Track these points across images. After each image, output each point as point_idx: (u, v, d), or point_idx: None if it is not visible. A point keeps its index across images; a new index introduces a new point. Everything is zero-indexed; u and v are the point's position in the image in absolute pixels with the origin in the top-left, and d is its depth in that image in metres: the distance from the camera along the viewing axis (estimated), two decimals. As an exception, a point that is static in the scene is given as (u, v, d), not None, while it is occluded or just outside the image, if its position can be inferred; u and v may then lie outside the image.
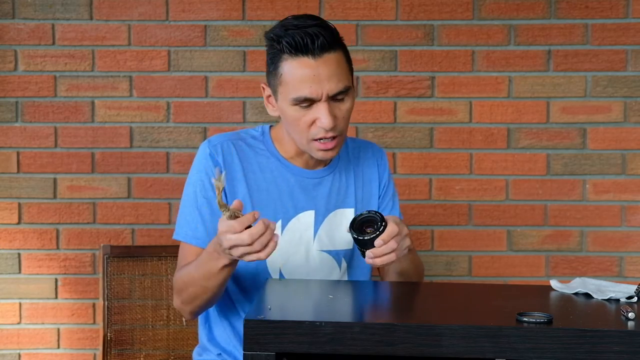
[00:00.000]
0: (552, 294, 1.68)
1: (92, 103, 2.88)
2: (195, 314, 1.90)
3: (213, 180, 1.60)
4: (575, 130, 2.88)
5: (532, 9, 2.86)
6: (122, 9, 2.87)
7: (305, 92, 1.78)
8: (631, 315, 1.44)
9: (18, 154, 2.89)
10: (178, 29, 2.88)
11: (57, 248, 2.90)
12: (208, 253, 1.73)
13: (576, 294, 1.67)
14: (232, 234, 1.60)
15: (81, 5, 2.86)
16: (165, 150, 2.89)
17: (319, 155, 1.86)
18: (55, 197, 2.89)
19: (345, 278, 1.96)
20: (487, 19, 2.87)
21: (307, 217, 1.92)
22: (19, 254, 2.90)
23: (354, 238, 1.73)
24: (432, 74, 2.88)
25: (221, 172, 1.62)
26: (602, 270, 2.88)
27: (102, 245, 2.55)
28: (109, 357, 2.47)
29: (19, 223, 2.89)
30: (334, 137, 1.82)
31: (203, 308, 1.87)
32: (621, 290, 1.66)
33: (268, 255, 1.62)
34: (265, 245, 1.61)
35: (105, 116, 2.88)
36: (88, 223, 2.89)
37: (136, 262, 2.53)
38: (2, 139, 2.89)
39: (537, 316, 1.41)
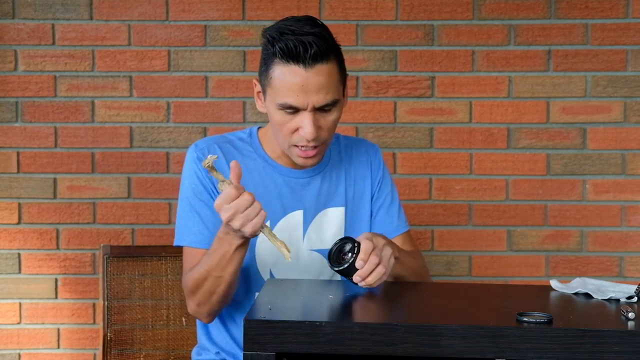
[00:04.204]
0: (552, 294, 1.68)
1: (92, 103, 2.88)
2: (213, 314, 1.87)
3: (205, 164, 1.63)
4: (575, 130, 2.88)
5: (532, 9, 2.86)
6: (122, 9, 2.87)
7: (291, 100, 1.77)
8: (631, 315, 1.44)
9: (18, 154, 2.89)
10: (178, 29, 2.88)
11: (57, 248, 2.90)
12: (219, 239, 1.73)
13: (576, 294, 1.67)
14: (228, 203, 1.62)
15: (81, 5, 2.86)
16: (165, 150, 2.89)
17: (299, 161, 1.86)
18: (55, 197, 2.89)
19: (337, 276, 1.95)
20: (487, 19, 2.87)
21: (295, 217, 1.91)
22: (19, 254, 2.90)
23: (336, 271, 1.71)
24: (432, 74, 2.88)
25: (208, 156, 1.66)
26: (602, 270, 2.88)
27: (102, 245, 2.55)
28: (109, 357, 2.47)
29: (19, 223, 2.89)
30: (315, 146, 1.82)
31: (220, 304, 1.83)
32: (621, 290, 1.66)
33: (261, 222, 1.64)
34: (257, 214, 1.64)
35: (105, 116, 2.88)
36: (88, 223, 2.89)
37: (136, 262, 2.52)
38: (2, 139, 2.89)
39: (537, 316, 1.41)
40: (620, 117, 2.87)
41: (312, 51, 1.73)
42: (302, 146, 1.82)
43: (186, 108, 2.88)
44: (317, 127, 1.79)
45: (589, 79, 2.87)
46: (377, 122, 2.88)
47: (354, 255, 1.68)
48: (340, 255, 1.71)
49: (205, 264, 1.77)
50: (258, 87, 1.87)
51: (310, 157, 1.84)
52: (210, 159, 1.63)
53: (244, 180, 1.90)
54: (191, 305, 1.85)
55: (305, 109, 1.77)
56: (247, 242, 1.73)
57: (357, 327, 1.38)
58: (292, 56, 1.74)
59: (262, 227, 1.66)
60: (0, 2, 2.86)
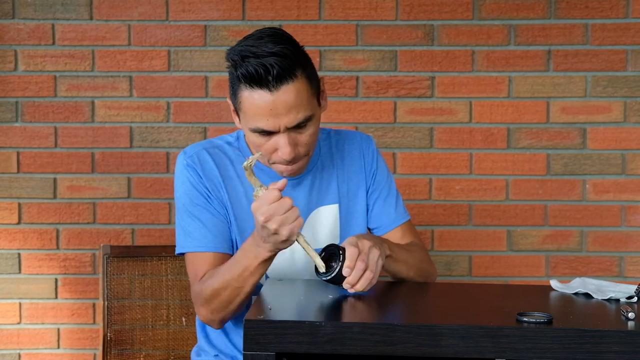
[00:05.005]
0: (552, 294, 1.68)
1: (92, 103, 2.88)
2: (225, 322, 1.85)
3: (246, 166, 1.61)
4: (575, 130, 2.88)
5: (532, 9, 2.86)
6: (122, 9, 2.87)
7: (262, 124, 1.74)
8: (631, 315, 1.44)
9: (18, 154, 2.89)
10: (178, 29, 2.88)
11: (57, 248, 2.90)
12: (243, 250, 1.72)
13: (576, 294, 1.67)
14: (267, 205, 1.59)
15: (81, 5, 2.86)
16: (165, 150, 2.89)
17: (284, 175, 1.84)
18: (55, 197, 2.89)
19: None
20: (487, 19, 2.87)
21: None
22: (19, 254, 2.90)
23: (324, 280, 1.68)
24: (432, 74, 2.88)
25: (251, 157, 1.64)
26: (602, 270, 2.89)
27: (102, 245, 2.54)
28: (109, 357, 2.47)
29: (19, 223, 2.89)
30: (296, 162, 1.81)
31: (234, 313, 1.81)
32: (621, 290, 1.66)
33: (299, 227, 1.61)
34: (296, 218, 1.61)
35: (105, 116, 2.88)
36: (88, 223, 2.89)
37: (136, 262, 2.52)
38: (2, 139, 2.89)
39: (537, 316, 1.41)
40: (620, 117, 2.87)
41: (275, 72, 1.69)
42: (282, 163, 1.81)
43: (186, 108, 2.88)
44: (294, 145, 1.77)
45: (589, 79, 2.87)
46: (377, 122, 2.88)
47: (340, 263, 1.65)
48: (327, 264, 1.68)
49: (225, 274, 1.75)
50: (232, 106, 1.84)
51: (294, 171, 1.83)
52: (252, 159, 1.61)
53: (235, 185, 1.89)
54: (203, 313, 1.83)
55: (278, 132, 1.75)
56: (273, 256, 1.71)
57: (357, 327, 1.38)
58: (255, 81, 1.70)
59: (298, 234, 1.64)
60: (0, 2, 2.86)
